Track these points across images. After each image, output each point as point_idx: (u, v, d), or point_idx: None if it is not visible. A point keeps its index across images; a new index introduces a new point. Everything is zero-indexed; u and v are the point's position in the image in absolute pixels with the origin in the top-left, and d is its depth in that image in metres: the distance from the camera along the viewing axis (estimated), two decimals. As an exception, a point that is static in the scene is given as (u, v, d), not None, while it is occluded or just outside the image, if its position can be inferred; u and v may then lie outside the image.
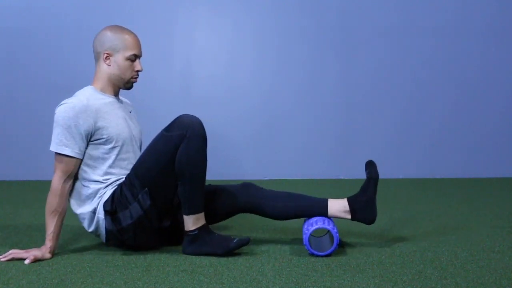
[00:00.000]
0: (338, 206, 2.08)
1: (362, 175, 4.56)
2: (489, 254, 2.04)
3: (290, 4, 4.52)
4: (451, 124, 4.59)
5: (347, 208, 2.07)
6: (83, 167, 2.03)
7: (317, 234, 2.33)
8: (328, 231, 2.22)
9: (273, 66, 4.56)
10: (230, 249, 1.98)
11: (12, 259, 1.95)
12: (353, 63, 4.55)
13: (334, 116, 4.57)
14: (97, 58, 2.10)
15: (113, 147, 2.04)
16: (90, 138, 2.01)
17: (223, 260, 1.97)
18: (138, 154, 2.19)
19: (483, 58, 4.57)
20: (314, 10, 4.52)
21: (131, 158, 2.12)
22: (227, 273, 1.80)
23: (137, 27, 4.42)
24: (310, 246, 2.02)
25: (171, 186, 2.02)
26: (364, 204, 2.06)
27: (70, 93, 4.46)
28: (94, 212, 2.03)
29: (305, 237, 2.00)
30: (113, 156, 2.05)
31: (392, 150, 4.58)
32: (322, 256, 2.00)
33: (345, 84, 4.57)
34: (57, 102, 4.48)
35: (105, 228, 2.02)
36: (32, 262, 1.92)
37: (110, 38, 2.07)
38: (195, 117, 2.00)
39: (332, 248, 2.00)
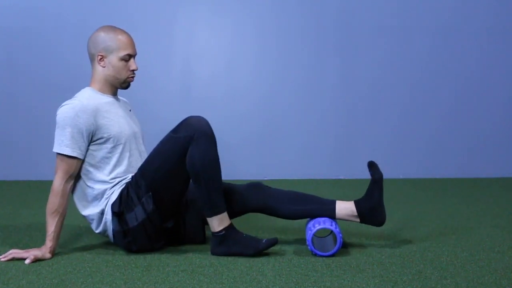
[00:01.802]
0: (346, 211, 2.08)
1: (362, 175, 4.56)
2: (489, 254, 2.04)
3: (290, 4, 4.52)
4: (451, 124, 4.59)
5: (355, 213, 2.07)
6: (87, 167, 2.03)
7: (320, 235, 2.33)
8: (332, 231, 2.22)
9: (273, 66, 4.56)
10: (260, 249, 1.98)
11: (13, 259, 1.96)
12: (353, 63, 4.55)
13: (334, 116, 4.57)
14: (92, 60, 2.12)
15: (116, 146, 2.04)
16: (91, 138, 2.01)
17: (223, 260, 1.97)
18: (143, 151, 2.18)
19: (483, 58, 4.57)
20: (314, 10, 4.52)
21: (135, 156, 2.11)
22: (227, 273, 1.80)
23: (137, 27, 4.42)
24: (313, 246, 2.02)
25: (177, 188, 2.02)
26: (371, 209, 2.06)
27: (70, 93, 4.46)
28: (102, 213, 2.04)
29: (308, 237, 2.00)
30: (116, 154, 2.05)
31: (392, 150, 4.58)
32: (324, 256, 2.00)
33: (345, 84, 4.57)
34: (57, 102, 4.48)
35: (112, 229, 2.02)
36: (33, 262, 1.92)
37: (103, 39, 2.07)
38: (202, 118, 2.00)
39: (335, 249, 2.00)
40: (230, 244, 2.00)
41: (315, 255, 2.01)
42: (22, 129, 4.50)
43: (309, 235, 2.00)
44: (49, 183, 4.28)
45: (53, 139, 4.47)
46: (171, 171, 1.97)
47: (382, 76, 4.56)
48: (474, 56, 4.56)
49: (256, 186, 2.14)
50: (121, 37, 2.08)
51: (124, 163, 2.07)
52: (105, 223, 2.04)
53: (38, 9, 4.45)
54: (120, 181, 2.05)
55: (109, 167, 2.04)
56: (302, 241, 2.27)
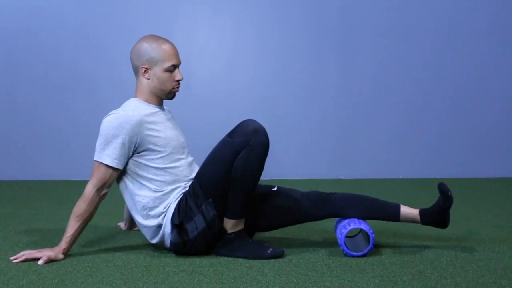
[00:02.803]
0: (409, 217, 2.09)
1: (362, 175, 4.56)
2: (489, 254, 2.04)
3: (290, 4, 4.51)
4: (451, 124, 4.59)
5: (418, 221, 2.08)
6: (138, 179, 2.00)
7: (350, 235, 2.31)
8: (361, 230, 2.22)
9: (273, 66, 4.55)
10: (262, 258, 1.97)
11: (26, 260, 1.95)
12: (353, 63, 4.55)
13: (334, 116, 4.57)
14: (136, 72, 2.07)
15: (163, 156, 2.01)
16: (136, 149, 1.98)
17: (223, 260, 1.97)
18: (191, 161, 2.15)
19: (483, 59, 4.57)
20: (314, 10, 4.52)
21: (183, 166, 2.07)
22: (227, 273, 1.80)
23: (137, 27, 4.42)
24: (347, 247, 2.02)
25: None
26: (435, 223, 2.07)
27: (70, 93, 4.47)
28: (159, 227, 2.01)
29: (341, 240, 1.99)
30: (164, 165, 2.01)
31: (392, 150, 4.58)
32: (358, 256, 2.00)
33: (345, 84, 4.56)
34: (57, 102, 4.48)
35: (171, 241, 2.00)
36: (46, 262, 1.91)
37: (146, 51, 2.03)
38: (259, 124, 1.98)
39: (369, 247, 1.99)
40: (235, 248, 2.00)
41: (349, 256, 2.00)
42: (22, 129, 4.49)
43: (341, 238, 2.00)
44: (49, 183, 4.29)
45: (53, 139, 4.47)
46: (227, 177, 1.95)
47: (382, 76, 4.56)
48: (474, 56, 4.56)
49: (317, 196, 2.11)
50: (165, 48, 2.04)
51: (173, 173, 2.03)
52: (163, 235, 2.02)
53: (38, 9, 4.45)
54: (173, 189, 2.02)
55: (157, 178, 2.01)
56: (303, 241, 2.27)
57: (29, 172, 4.50)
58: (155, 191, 2.00)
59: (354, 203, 2.09)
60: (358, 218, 2.08)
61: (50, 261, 1.93)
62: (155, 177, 2.01)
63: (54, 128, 4.48)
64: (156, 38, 2.07)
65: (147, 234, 2.05)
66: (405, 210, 2.08)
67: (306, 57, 4.54)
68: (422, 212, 2.07)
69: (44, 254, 1.93)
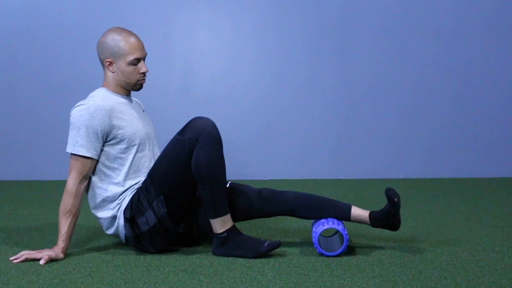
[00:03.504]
0: (359, 218, 2.08)
1: (362, 175, 4.56)
2: (489, 254, 2.04)
3: (290, 4, 4.52)
4: (451, 124, 4.59)
5: (368, 222, 2.08)
6: (102, 168, 2.03)
7: (326, 234, 2.33)
8: (337, 231, 2.22)
9: (273, 66, 4.55)
10: (261, 252, 1.98)
11: (26, 260, 1.95)
12: (353, 63, 4.55)
13: (334, 116, 4.57)
14: (102, 64, 2.10)
15: (130, 146, 2.04)
16: (106, 138, 2.01)
17: (223, 260, 1.97)
18: (156, 153, 2.18)
19: (483, 59, 4.57)
20: (314, 10, 4.52)
21: (148, 157, 2.11)
22: (227, 273, 1.80)
23: (137, 27, 4.42)
24: (320, 246, 2.02)
25: (187, 191, 2.02)
26: (385, 225, 2.07)
27: (70, 93, 4.47)
28: (114, 218, 2.04)
29: (315, 237, 2.00)
30: (130, 155, 2.04)
31: (392, 150, 4.58)
32: (331, 256, 2.00)
33: (345, 84, 4.56)
34: (57, 102, 4.48)
35: (125, 234, 2.04)
36: (47, 262, 1.92)
37: (109, 45, 2.04)
38: (208, 119, 1.99)
39: (342, 248, 2.00)
40: (231, 246, 2.00)
41: (322, 255, 2.01)
42: (22, 129, 4.50)
43: (315, 235, 2.00)
44: (49, 183, 4.29)
45: (53, 139, 4.47)
46: (179, 174, 1.97)
47: (382, 76, 4.56)
48: (474, 56, 4.56)
49: (270, 193, 2.11)
50: (128, 41, 2.05)
51: (138, 164, 2.06)
52: (117, 227, 2.05)
53: (38, 9, 4.45)
54: (133, 184, 2.05)
55: (123, 168, 2.03)
56: (303, 241, 2.27)
57: (29, 172, 4.50)
58: (116, 183, 2.03)
59: (305, 202, 2.09)
60: (308, 217, 2.09)
61: (51, 260, 1.93)
62: (119, 167, 2.03)
63: (54, 128, 4.48)
64: (120, 31, 2.07)
65: (103, 225, 2.08)
66: (356, 211, 2.08)
67: (306, 57, 4.54)
68: (371, 215, 2.07)
69: (44, 254, 1.93)
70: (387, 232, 2.43)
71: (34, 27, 4.46)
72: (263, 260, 1.96)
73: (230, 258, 1.99)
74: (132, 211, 2.01)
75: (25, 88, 4.48)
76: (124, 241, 2.09)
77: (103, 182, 2.03)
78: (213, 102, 4.54)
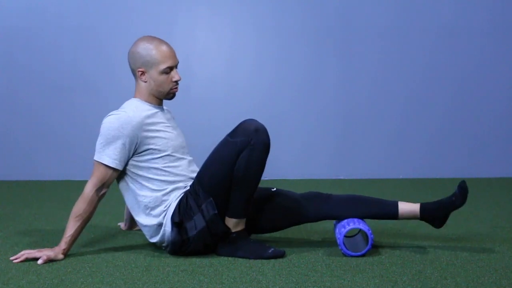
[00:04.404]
0: (408, 214, 2.08)
1: (362, 175, 4.55)
2: (489, 254, 2.04)
3: (290, 4, 4.51)
4: (451, 124, 4.59)
5: (418, 216, 2.07)
6: (136, 179, 2.01)
7: (349, 234, 2.31)
8: (360, 230, 2.22)
9: (273, 66, 4.55)
10: (264, 257, 1.97)
11: (26, 260, 1.95)
12: (353, 63, 4.55)
13: (334, 116, 4.57)
14: (134, 74, 2.08)
15: (163, 156, 2.01)
16: (136, 150, 1.99)
17: (223, 260, 1.97)
18: (191, 160, 2.15)
19: (483, 59, 4.57)
20: (314, 10, 4.52)
21: (184, 165, 2.08)
22: (227, 273, 1.80)
23: (137, 27, 4.42)
24: (345, 247, 2.02)
25: None
26: (434, 219, 2.07)
27: (70, 93, 4.47)
28: (160, 225, 2.01)
29: (339, 238, 1.99)
30: (164, 164, 2.02)
31: (392, 150, 4.57)
32: (357, 256, 2.00)
33: (345, 84, 4.56)
34: (57, 102, 4.47)
35: (171, 240, 2.00)
36: (45, 262, 1.91)
37: (141, 54, 2.02)
38: (260, 123, 1.98)
39: (368, 247, 2.00)
40: (236, 247, 2.00)
41: (347, 255, 2.00)
42: (22, 129, 4.49)
43: (339, 236, 2.00)
44: (49, 183, 4.29)
45: (53, 139, 4.47)
46: (229, 175, 1.95)
47: (382, 76, 4.56)
48: (474, 56, 4.56)
49: (315, 197, 2.12)
50: (160, 50, 2.02)
51: (173, 172, 2.03)
52: (164, 234, 2.01)
53: (38, 9, 4.45)
54: (173, 189, 2.02)
55: (158, 177, 2.01)
56: (303, 241, 2.28)
57: (29, 172, 4.50)
58: (156, 190, 2.00)
59: (353, 204, 2.09)
60: (352, 213, 2.09)
61: (49, 261, 1.93)
62: (156, 177, 2.01)
63: (54, 128, 4.48)
64: (151, 39, 2.06)
65: (148, 233, 2.05)
66: (403, 206, 2.09)
67: (306, 57, 4.54)
68: (423, 206, 2.08)
69: (44, 254, 1.93)
70: (387, 231, 2.43)
71: (34, 27, 4.45)
72: (263, 260, 1.96)
73: (230, 258, 1.99)
74: (180, 215, 1.97)
75: (25, 88, 4.48)
76: (167, 249, 2.04)
77: (142, 191, 2.01)
78: (213, 102, 4.54)
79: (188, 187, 2.04)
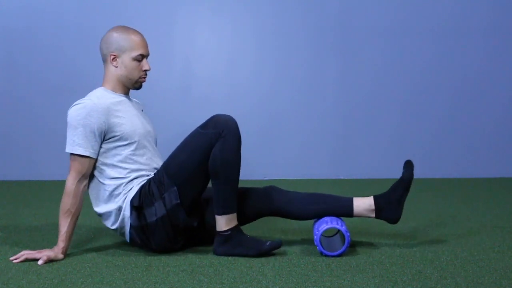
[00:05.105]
0: (364, 206, 2.09)
1: (362, 175, 4.56)
2: (489, 254, 2.04)
3: (290, 4, 4.52)
4: (451, 124, 4.59)
5: (373, 206, 2.08)
6: (101, 166, 2.03)
7: (328, 234, 2.33)
8: (339, 230, 2.22)
9: (273, 66, 4.55)
10: (263, 251, 1.98)
11: (26, 260, 1.95)
12: (353, 63, 4.55)
13: (334, 116, 4.57)
14: (104, 60, 2.11)
15: (129, 143, 2.04)
16: (104, 137, 2.01)
17: (223, 260, 1.97)
18: (156, 150, 2.18)
19: (483, 59, 4.57)
20: (314, 10, 4.52)
21: (148, 153, 2.10)
22: (227, 273, 1.80)
23: (137, 27, 4.40)
24: (322, 246, 2.02)
25: (200, 185, 2.02)
26: (389, 203, 2.08)
27: (70, 92, 4.46)
28: (119, 209, 2.03)
29: (316, 237, 2.00)
30: (130, 152, 2.04)
31: (392, 150, 4.58)
32: (333, 256, 2.00)
33: (345, 84, 4.57)
34: (57, 102, 4.48)
35: (130, 224, 2.01)
36: (46, 262, 1.92)
37: (116, 39, 2.07)
38: (230, 116, 2.01)
39: (344, 248, 2.00)
40: (233, 245, 2.00)
41: (324, 255, 2.01)
42: (22, 129, 4.50)
43: (316, 235, 2.00)
44: (49, 183, 4.29)
45: (53, 139, 4.47)
46: (196, 166, 1.98)
47: (382, 76, 4.56)
48: (474, 56, 4.56)
49: (272, 191, 2.13)
50: (134, 37, 2.08)
51: (138, 161, 2.06)
52: (123, 219, 2.03)
53: (38, 9, 4.45)
54: (136, 176, 2.04)
55: (123, 165, 2.03)
56: (303, 240, 2.27)
57: (29, 172, 4.50)
58: (119, 178, 2.02)
59: (305, 196, 2.12)
60: (306, 207, 2.10)
61: (50, 261, 1.93)
62: (120, 164, 2.03)
63: (54, 128, 4.48)
64: (126, 28, 2.11)
65: (108, 219, 2.06)
66: (358, 200, 2.11)
67: (306, 57, 4.54)
68: (376, 198, 2.10)
69: (43, 254, 1.93)
70: (387, 231, 2.43)
71: (34, 27, 4.46)
72: (263, 260, 1.96)
73: (230, 258, 1.99)
74: (141, 200, 1.99)
75: (25, 88, 4.48)
76: (128, 238, 2.06)
77: (104, 180, 2.03)
78: (213, 102, 4.54)
79: (152, 175, 2.06)
